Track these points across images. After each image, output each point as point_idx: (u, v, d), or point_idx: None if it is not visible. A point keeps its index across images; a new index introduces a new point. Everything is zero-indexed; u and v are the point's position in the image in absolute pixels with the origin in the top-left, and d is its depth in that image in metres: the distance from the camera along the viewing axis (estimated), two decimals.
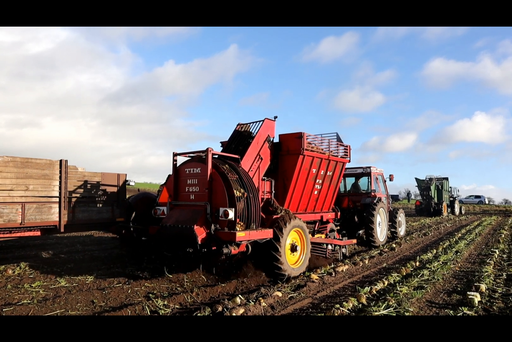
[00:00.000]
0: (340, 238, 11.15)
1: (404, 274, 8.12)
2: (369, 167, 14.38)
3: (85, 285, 7.32)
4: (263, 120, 9.08)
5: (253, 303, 5.68)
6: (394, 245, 12.24)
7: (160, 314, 5.59)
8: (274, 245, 7.77)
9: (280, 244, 7.81)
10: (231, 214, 6.98)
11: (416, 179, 32.80)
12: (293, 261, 8.39)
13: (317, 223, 10.63)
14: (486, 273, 7.88)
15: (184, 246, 7.25)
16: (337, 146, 10.56)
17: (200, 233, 6.98)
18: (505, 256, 10.43)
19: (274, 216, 8.39)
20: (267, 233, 7.60)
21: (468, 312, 5.48)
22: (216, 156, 8.10)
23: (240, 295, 6.16)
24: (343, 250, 11.04)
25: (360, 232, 13.56)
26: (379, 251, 11.24)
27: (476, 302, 5.82)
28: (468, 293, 6.20)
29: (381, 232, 13.38)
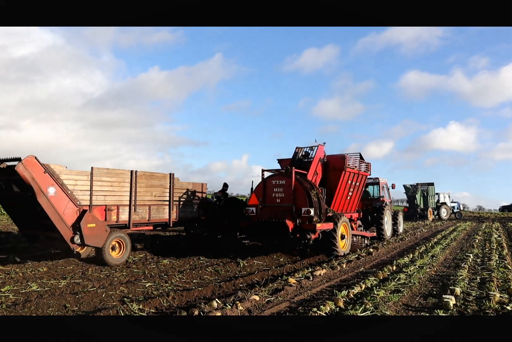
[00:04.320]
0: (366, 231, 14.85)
1: (381, 278, 8.17)
2: (377, 178, 17.92)
3: (58, 289, 7.09)
4: (317, 146, 12.56)
5: (230, 307, 5.60)
6: (371, 250, 12.32)
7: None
8: (333, 233, 11.01)
9: (336, 233, 11.08)
10: (312, 212, 10.22)
11: (404, 186, 35.25)
12: (342, 245, 11.66)
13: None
14: (461, 277, 7.99)
15: (278, 234, 10.49)
16: (361, 163, 13.76)
17: (290, 225, 10.11)
18: (479, 260, 10.64)
19: (328, 214, 11.36)
20: (331, 225, 10.90)
21: (443, 315, 5.55)
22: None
23: (217, 299, 6.05)
24: (366, 241, 14.54)
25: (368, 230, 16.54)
26: (356, 256, 11.31)
27: (451, 305, 5.89)
28: (443, 296, 6.28)
29: (387, 229, 16.62)
